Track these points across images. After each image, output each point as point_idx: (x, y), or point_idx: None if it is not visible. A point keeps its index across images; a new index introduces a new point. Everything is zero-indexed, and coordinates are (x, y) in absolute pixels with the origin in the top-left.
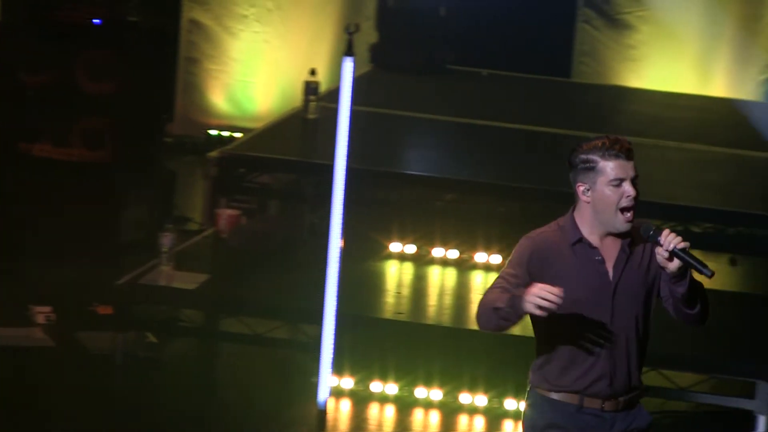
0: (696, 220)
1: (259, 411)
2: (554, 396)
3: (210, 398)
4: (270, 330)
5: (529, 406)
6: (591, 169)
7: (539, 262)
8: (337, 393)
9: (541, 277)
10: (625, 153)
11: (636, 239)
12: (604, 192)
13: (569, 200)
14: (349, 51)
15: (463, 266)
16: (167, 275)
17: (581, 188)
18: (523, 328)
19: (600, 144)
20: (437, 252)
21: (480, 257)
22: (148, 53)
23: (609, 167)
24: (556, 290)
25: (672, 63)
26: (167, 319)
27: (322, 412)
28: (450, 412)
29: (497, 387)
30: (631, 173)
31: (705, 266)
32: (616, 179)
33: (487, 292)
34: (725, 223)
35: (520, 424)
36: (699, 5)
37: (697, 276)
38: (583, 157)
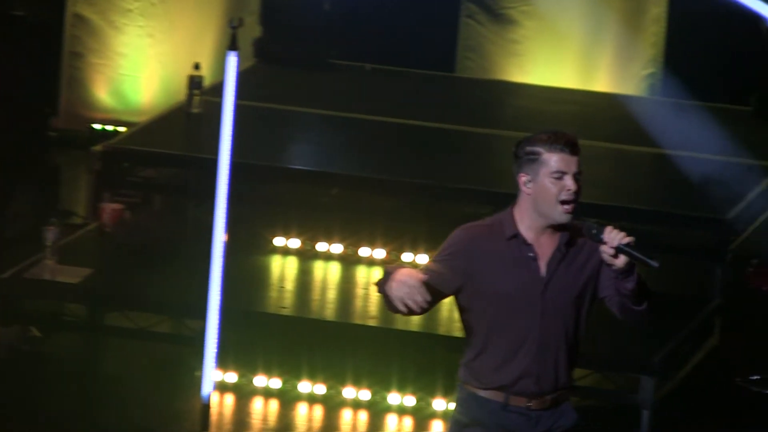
0: (580, 215)
1: (142, 405)
2: (480, 393)
3: (94, 392)
4: (154, 324)
5: (456, 402)
6: (534, 160)
7: (470, 253)
8: (221, 387)
9: (470, 268)
10: (570, 147)
11: (574, 239)
12: (545, 184)
13: (453, 195)
14: (232, 45)
15: (348, 261)
16: (51, 269)
17: (523, 179)
18: (406, 324)
19: (546, 137)
20: (321, 246)
21: (364, 252)
22: (33, 47)
23: (552, 160)
24: (420, 298)
25: (555, 58)
26: (51, 313)
27: (206, 407)
28: (333, 406)
29: (381, 381)
30: (574, 168)
31: (651, 258)
32: (557, 172)
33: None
34: (608, 218)
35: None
36: (583, 1)
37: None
38: (528, 148)
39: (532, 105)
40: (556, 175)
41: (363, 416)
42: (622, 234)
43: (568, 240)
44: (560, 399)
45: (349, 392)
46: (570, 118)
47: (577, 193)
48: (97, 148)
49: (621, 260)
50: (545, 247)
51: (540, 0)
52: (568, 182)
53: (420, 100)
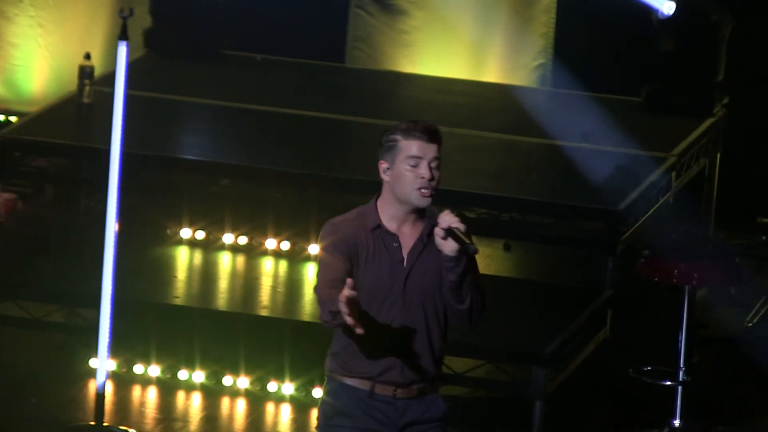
0: (470, 205)
1: (36, 394)
2: (348, 381)
3: None
4: (47, 314)
5: (325, 393)
6: (392, 147)
7: (346, 245)
8: (114, 377)
9: (355, 261)
10: (427, 135)
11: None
12: (401, 170)
13: (343, 185)
14: (123, 35)
15: (239, 251)
16: None
17: (383, 167)
18: (295, 313)
19: (404, 126)
20: (214, 237)
21: (256, 242)
22: None
23: (408, 146)
24: (345, 309)
25: (446, 48)
26: None
27: (100, 396)
28: (211, 393)
29: (258, 371)
30: (430, 155)
31: (471, 244)
32: (412, 158)
33: (319, 287)
34: (499, 209)
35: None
36: None
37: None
38: (388, 136)
39: (422, 96)
40: (411, 162)
41: (242, 404)
42: (457, 219)
43: (431, 230)
44: (427, 389)
45: (228, 380)
46: (460, 109)
47: (432, 179)
48: None
49: (450, 246)
50: (407, 238)
51: None
52: (423, 169)
53: (310, 90)
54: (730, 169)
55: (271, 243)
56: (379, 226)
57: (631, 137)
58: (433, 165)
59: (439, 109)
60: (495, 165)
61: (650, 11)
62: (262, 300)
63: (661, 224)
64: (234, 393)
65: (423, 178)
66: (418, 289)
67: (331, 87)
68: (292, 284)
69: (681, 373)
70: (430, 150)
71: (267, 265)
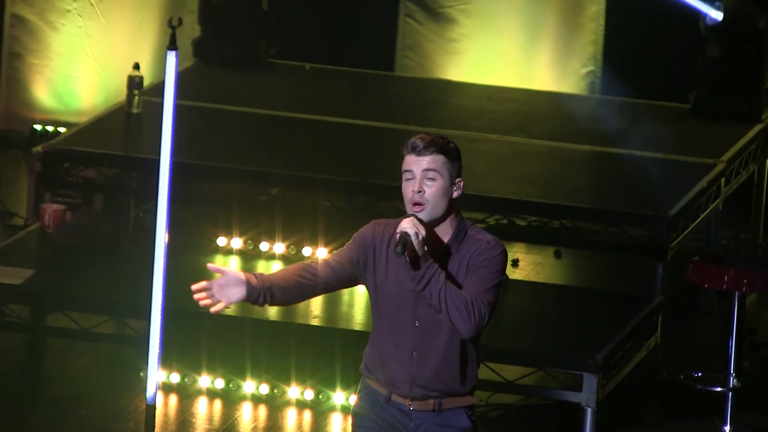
0: (520, 213)
1: (86, 406)
2: (372, 384)
3: (36, 394)
4: (96, 325)
5: (357, 391)
6: (401, 164)
7: (368, 246)
8: (165, 388)
9: (366, 261)
10: (420, 147)
11: (458, 245)
12: (402, 185)
13: (392, 194)
14: (172, 45)
15: (290, 261)
16: None
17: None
18: (347, 322)
19: (409, 140)
20: (263, 246)
21: (306, 251)
22: None
23: (405, 161)
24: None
25: (494, 56)
26: None
27: (151, 407)
28: (262, 403)
29: (309, 380)
30: (421, 167)
31: (403, 248)
32: (406, 172)
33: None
34: (549, 217)
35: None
36: None
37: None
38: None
39: (471, 104)
40: (406, 176)
41: (308, 415)
42: (410, 224)
43: (452, 245)
44: (449, 404)
45: (293, 392)
46: (510, 117)
47: (421, 191)
48: (38, 148)
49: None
50: (428, 251)
51: None
52: (414, 183)
53: (359, 99)
54: None
55: (321, 252)
56: None
57: (680, 143)
58: (427, 177)
59: (488, 116)
60: (545, 172)
61: (698, 18)
62: (312, 309)
63: (711, 230)
64: (285, 403)
65: (413, 190)
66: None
67: (380, 95)
68: (343, 294)
69: (731, 378)
70: (421, 162)
71: None
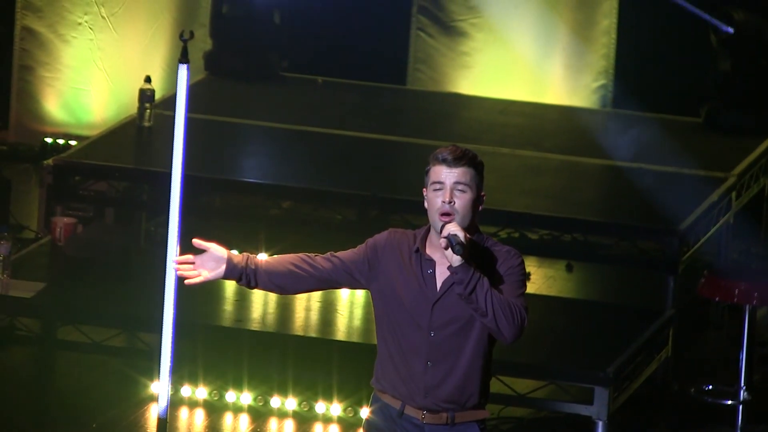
0: (532, 226)
1: (97, 420)
2: (383, 398)
3: (48, 407)
4: (107, 338)
5: (369, 405)
6: (426, 174)
7: (381, 253)
8: (177, 401)
9: (376, 267)
10: (452, 159)
11: (482, 259)
12: (430, 196)
13: (404, 207)
14: (183, 58)
15: None
16: (4, 284)
17: (424, 192)
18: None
19: (437, 152)
20: None
21: None
22: None
23: (434, 172)
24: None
25: (506, 70)
26: (4, 328)
27: (163, 421)
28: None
29: (307, 392)
30: (452, 179)
31: (457, 252)
32: (436, 183)
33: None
34: (561, 230)
35: None
36: (533, 12)
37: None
38: (428, 163)
39: (483, 117)
40: (435, 187)
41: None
42: (458, 228)
43: (476, 262)
44: (462, 418)
45: (320, 407)
46: (522, 131)
47: (452, 202)
48: (49, 161)
49: (450, 253)
50: (446, 265)
51: (490, 12)
52: (444, 194)
53: (371, 112)
54: None
55: None
56: (418, 249)
57: (692, 157)
58: (457, 189)
59: (500, 130)
60: (556, 186)
61: (709, 32)
62: (312, 321)
63: (722, 244)
64: (282, 414)
65: (443, 201)
66: (445, 317)
67: (393, 109)
68: (344, 308)
69: (742, 392)
70: (453, 174)
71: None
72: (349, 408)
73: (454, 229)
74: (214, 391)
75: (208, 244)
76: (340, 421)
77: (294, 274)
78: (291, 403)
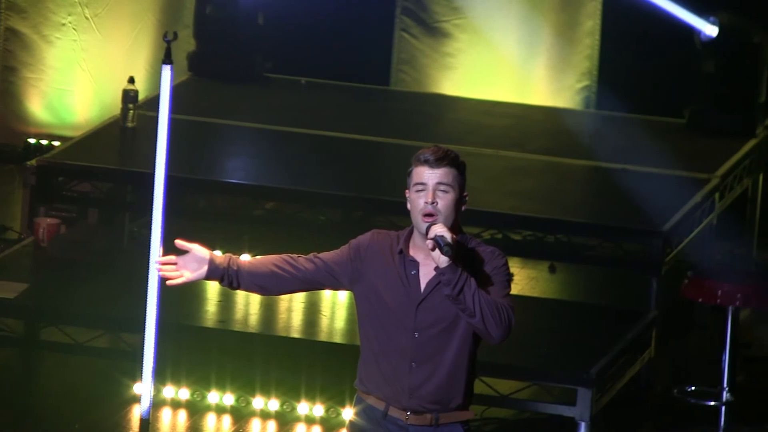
0: (515, 228)
1: (80, 420)
2: (367, 399)
3: (30, 407)
4: (91, 339)
5: (353, 406)
6: (408, 176)
7: (366, 254)
8: (160, 402)
9: (359, 268)
10: (433, 160)
11: (466, 261)
12: (412, 197)
13: (388, 208)
14: (167, 59)
15: None
16: None
17: (406, 194)
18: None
19: (419, 152)
20: None
21: None
22: None
23: (416, 173)
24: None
25: (490, 71)
26: None
27: (146, 421)
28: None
29: (289, 392)
30: (434, 180)
31: (446, 253)
32: (418, 184)
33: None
34: (544, 231)
35: None
36: (517, 13)
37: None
38: (410, 164)
39: (467, 118)
40: (417, 188)
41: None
42: (444, 229)
43: (459, 260)
44: (446, 419)
45: (303, 407)
46: (505, 132)
47: (434, 202)
48: (32, 162)
49: (437, 255)
50: (432, 266)
51: (474, 13)
52: (427, 194)
53: (355, 113)
54: None
55: None
56: (402, 251)
57: (675, 158)
58: (439, 189)
59: (484, 131)
60: (540, 187)
61: (693, 33)
62: (295, 322)
63: (705, 245)
64: (265, 415)
65: (426, 202)
66: (430, 318)
67: (376, 110)
68: (327, 309)
69: (725, 393)
70: (435, 175)
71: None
72: (332, 409)
73: (440, 230)
74: (197, 392)
75: (191, 245)
76: (323, 421)
77: (276, 275)
78: (273, 404)
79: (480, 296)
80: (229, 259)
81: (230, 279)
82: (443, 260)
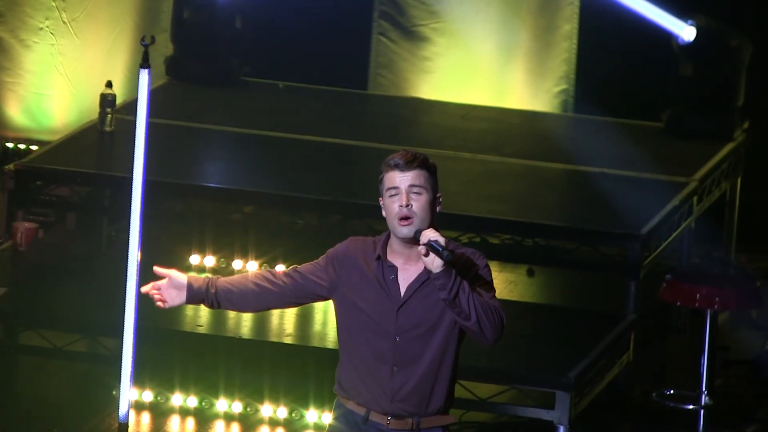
0: (493, 231)
1: (59, 425)
2: (347, 404)
3: (9, 412)
4: (69, 343)
5: (332, 411)
6: (380, 182)
7: (343, 262)
8: (138, 406)
9: (338, 277)
10: (404, 163)
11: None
12: (387, 203)
13: (366, 212)
14: (144, 63)
15: None
16: None
17: (380, 202)
18: (321, 340)
19: (388, 158)
20: (236, 264)
21: (279, 269)
22: None
23: (388, 178)
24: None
25: (468, 75)
26: None
27: (124, 425)
28: (251, 424)
29: (283, 398)
30: (406, 183)
31: (444, 255)
32: (391, 188)
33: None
34: (522, 235)
35: None
36: (494, 17)
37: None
38: (381, 171)
39: (444, 122)
40: (390, 193)
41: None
42: (436, 234)
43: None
44: (427, 423)
45: (267, 410)
46: (483, 135)
47: (409, 205)
48: (10, 167)
49: (435, 262)
50: (411, 271)
51: (452, 17)
52: (401, 198)
53: (332, 117)
54: (751, 194)
55: None
56: (380, 257)
57: (653, 162)
58: (412, 192)
59: (462, 135)
60: (518, 191)
61: (671, 37)
62: (286, 327)
63: (684, 248)
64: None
65: (400, 205)
66: (410, 323)
67: (354, 114)
68: (316, 314)
69: (703, 396)
70: (406, 178)
71: None
72: (295, 411)
73: (433, 235)
74: (161, 394)
75: (168, 271)
76: (286, 423)
77: (255, 293)
78: (237, 406)
79: (474, 299)
80: (208, 281)
81: (210, 301)
82: (437, 264)
